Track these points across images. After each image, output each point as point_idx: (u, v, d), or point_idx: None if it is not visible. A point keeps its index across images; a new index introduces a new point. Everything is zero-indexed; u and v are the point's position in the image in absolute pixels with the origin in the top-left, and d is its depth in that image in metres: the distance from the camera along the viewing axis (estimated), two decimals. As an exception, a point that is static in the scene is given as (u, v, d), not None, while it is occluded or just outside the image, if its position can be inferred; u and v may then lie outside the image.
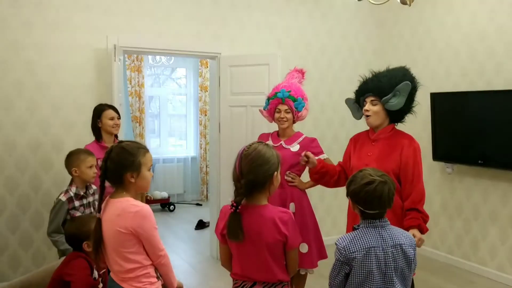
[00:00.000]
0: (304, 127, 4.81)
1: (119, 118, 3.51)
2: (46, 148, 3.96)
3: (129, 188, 1.98)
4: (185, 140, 7.93)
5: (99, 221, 1.98)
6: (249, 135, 4.35)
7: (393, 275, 1.83)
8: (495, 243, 4.24)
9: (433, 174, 4.79)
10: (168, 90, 7.82)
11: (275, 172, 1.92)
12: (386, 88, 2.58)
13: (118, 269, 1.97)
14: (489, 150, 4.08)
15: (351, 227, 2.21)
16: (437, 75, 4.78)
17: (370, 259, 1.81)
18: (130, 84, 7.11)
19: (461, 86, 4.49)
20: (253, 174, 1.85)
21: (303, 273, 3.25)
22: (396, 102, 2.57)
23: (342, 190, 2.61)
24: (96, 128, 3.47)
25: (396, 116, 2.68)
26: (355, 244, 1.83)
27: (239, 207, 1.86)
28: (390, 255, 1.83)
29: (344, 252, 1.83)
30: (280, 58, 4.35)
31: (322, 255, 3.22)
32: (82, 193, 2.99)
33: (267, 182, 1.91)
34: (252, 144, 1.93)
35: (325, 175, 2.88)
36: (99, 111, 3.46)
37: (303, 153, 2.88)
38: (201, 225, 6.07)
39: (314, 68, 5.09)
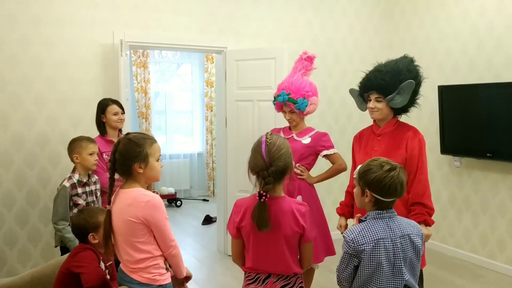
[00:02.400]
0: (311, 122, 4.80)
1: (123, 113, 3.51)
2: (54, 143, 3.98)
3: (138, 178, 1.99)
4: (191, 136, 7.94)
5: (109, 213, 1.99)
6: (256, 130, 4.34)
7: (402, 266, 1.82)
8: (503, 236, 4.21)
9: (441, 168, 4.76)
10: (174, 86, 7.83)
11: (293, 163, 1.97)
12: (390, 87, 2.56)
13: (128, 259, 1.98)
14: (497, 143, 4.05)
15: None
16: (444, 68, 4.75)
17: (379, 250, 1.80)
18: (136, 80, 7.12)
19: (469, 79, 4.45)
20: (282, 160, 1.87)
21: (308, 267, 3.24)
22: (400, 100, 2.56)
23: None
24: (101, 123, 3.48)
25: (401, 109, 2.67)
26: (363, 236, 1.82)
27: (268, 195, 1.85)
28: (399, 245, 1.82)
29: (353, 245, 1.82)
30: (286, 51, 4.34)
31: (330, 251, 3.19)
32: (84, 181, 3.02)
33: (288, 172, 1.93)
34: (270, 134, 1.94)
35: None
36: (103, 106, 3.47)
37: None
38: (208, 220, 6.08)
39: (320, 62, 5.04)
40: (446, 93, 4.49)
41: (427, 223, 2.46)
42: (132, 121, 7.14)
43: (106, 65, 4.15)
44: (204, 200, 7.47)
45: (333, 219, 5.24)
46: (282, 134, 3.28)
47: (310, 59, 3.38)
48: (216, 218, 5.47)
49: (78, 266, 2.21)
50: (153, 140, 2.02)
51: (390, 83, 2.54)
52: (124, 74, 4.02)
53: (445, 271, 4.25)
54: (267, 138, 1.92)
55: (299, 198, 3.14)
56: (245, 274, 2.02)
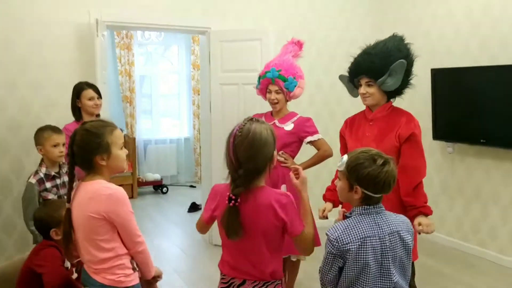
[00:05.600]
0: (299, 105, 4.61)
1: (99, 98, 3.30)
2: (26, 130, 3.74)
3: (101, 171, 1.81)
4: (178, 121, 7.72)
5: (68, 211, 1.81)
6: (241, 115, 4.09)
7: (391, 266, 1.66)
8: (496, 224, 4.10)
9: (433, 154, 4.61)
10: (160, 69, 7.58)
11: (274, 152, 1.73)
12: (381, 69, 2.39)
13: (90, 259, 1.81)
14: (491, 128, 3.90)
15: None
16: (438, 50, 4.56)
17: (366, 250, 1.64)
18: (120, 62, 6.87)
19: (463, 62, 4.28)
20: (252, 162, 1.64)
21: (294, 259, 3.10)
22: (392, 82, 2.39)
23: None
24: (76, 108, 3.27)
25: (394, 92, 2.50)
26: (348, 235, 1.65)
27: (238, 200, 1.64)
28: (387, 244, 1.66)
29: (337, 244, 1.65)
30: (272, 32, 4.14)
31: (315, 242, 3.05)
32: (53, 173, 2.83)
33: (268, 166, 1.71)
34: (244, 124, 1.69)
35: None
36: (78, 91, 3.26)
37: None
38: (194, 207, 5.92)
39: (309, 43, 4.83)
40: (439, 77, 4.32)
41: (425, 212, 2.33)
42: (116, 106, 6.94)
43: (82, 47, 3.92)
44: (192, 186, 7.30)
45: (321, 204, 5.13)
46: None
47: (299, 44, 3.30)
48: (201, 205, 5.31)
49: (39, 266, 2.04)
50: (113, 127, 1.83)
51: (380, 65, 2.37)
52: (101, 56, 3.80)
53: (435, 260, 4.14)
54: (236, 133, 1.68)
55: (283, 187, 2.98)
56: (221, 274, 1.85)
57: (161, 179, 6.98)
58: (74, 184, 1.86)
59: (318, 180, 4.99)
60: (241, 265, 1.74)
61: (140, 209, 6.05)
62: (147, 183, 6.85)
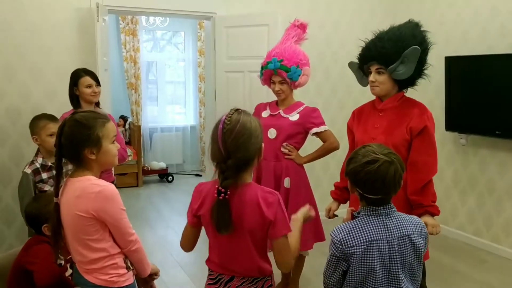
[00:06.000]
0: (306, 95, 4.47)
1: (98, 85, 3.17)
2: (27, 118, 3.61)
3: (90, 165, 1.69)
4: (184, 108, 7.60)
5: (56, 207, 1.70)
6: (247, 103, 4.02)
7: (399, 272, 1.54)
8: (510, 219, 3.94)
9: (445, 146, 4.45)
10: (166, 56, 7.43)
11: (262, 143, 1.63)
12: (392, 55, 2.21)
13: (80, 260, 1.70)
14: (508, 120, 3.72)
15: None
16: (453, 37, 4.36)
17: (372, 254, 1.52)
18: (125, 48, 6.74)
19: (480, 49, 4.08)
20: (242, 151, 1.54)
21: (296, 255, 2.99)
22: (404, 70, 2.22)
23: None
24: (74, 96, 3.15)
25: (406, 82, 2.33)
26: (353, 237, 1.53)
27: (228, 192, 1.53)
28: (396, 248, 1.54)
29: (341, 247, 1.53)
30: (280, 18, 3.97)
31: (319, 237, 2.95)
32: (50, 164, 2.72)
33: (256, 157, 1.61)
34: (231, 115, 1.59)
35: None
36: (75, 78, 3.13)
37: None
38: (199, 197, 5.82)
39: (319, 29, 4.69)
40: (454, 65, 4.13)
41: (432, 212, 2.18)
42: (121, 93, 6.84)
43: (82, 32, 3.80)
44: (197, 175, 7.20)
45: (329, 199, 4.99)
46: (268, 110, 2.98)
47: (303, 26, 3.08)
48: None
49: (30, 262, 1.95)
50: (105, 120, 1.71)
51: (392, 51, 2.20)
52: (102, 42, 3.67)
53: (446, 255, 4.00)
54: (225, 121, 1.57)
55: (286, 180, 2.86)
56: (208, 270, 1.75)
57: (167, 167, 6.89)
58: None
59: (326, 172, 4.87)
60: (228, 264, 1.66)
61: (145, 198, 5.98)
62: (152, 172, 6.76)
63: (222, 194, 1.53)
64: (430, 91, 4.38)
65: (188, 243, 1.77)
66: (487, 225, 4.14)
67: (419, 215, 2.14)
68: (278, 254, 1.59)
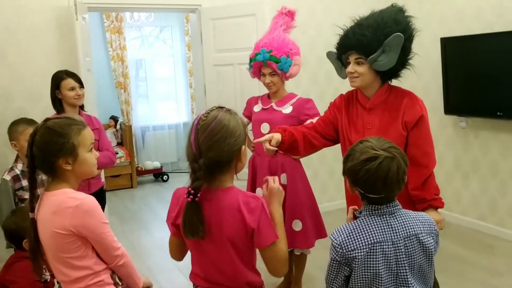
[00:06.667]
0: (300, 85, 4.33)
1: (81, 87, 3.02)
2: (9, 124, 3.51)
3: (66, 177, 1.55)
4: (175, 106, 7.44)
5: (33, 223, 1.56)
6: (238, 97, 3.88)
7: (408, 275, 1.41)
8: (515, 202, 3.84)
9: (445, 129, 4.32)
10: (154, 52, 7.25)
11: (243, 146, 1.48)
12: (372, 44, 1.99)
13: (63, 279, 1.57)
14: (508, 100, 3.60)
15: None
16: (447, 17, 4.22)
17: (376, 257, 1.39)
18: (111, 47, 6.56)
19: (476, 29, 3.94)
20: (215, 151, 1.40)
21: (298, 253, 2.86)
22: (385, 60, 2.00)
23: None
24: (56, 99, 3.00)
25: (389, 73, 2.11)
26: (355, 240, 1.40)
27: (198, 194, 1.40)
28: (402, 250, 1.41)
29: (341, 251, 1.40)
30: (268, 6, 3.81)
31: (321, 233, 2.83)
32: None
33: (233, 160, 1.47)
34: (211, 110, 1.46)
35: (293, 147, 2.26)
36: (57, 80, 2.98)
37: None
38: (195, 195, 5.69)
39: (309, 17, 4.54)
40: (450, 46, 4.00)
41: (435, 205, 2.04)
42: (109, 93, 6.67)
43: (62, 32, 3.64)
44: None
45: (328, 191, 4.91)
46: (260, 104, 2.84)
47: (291, 14, 2.92)
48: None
49: (11, 281, 1.81)
50: (81, 126, 1.57)
51: (372, 39, 1.99)
52: (83, 41, 3.51)
53: (450, 242, 3.89)
54: (201, 117, 1.45)
55: (283, 176, 2.73)
56: (193, 286, 1.62)
57: (161, 166, 6.75)
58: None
59: (323, 165, 4.75)
60: (213, 277, 1.52)
61: (140, 200, 5.85)
62: (146, 172, 6.62)
63: (191, 196, 1.40)
64: (426, 74, 4.25)
65: (175, 253, 1.65)
66: (492, 209, 4.03)
67: (423, 210, 2.00)
68: (269, 263, 1.46)
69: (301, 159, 2.87)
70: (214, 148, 1.40)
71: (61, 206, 1.48)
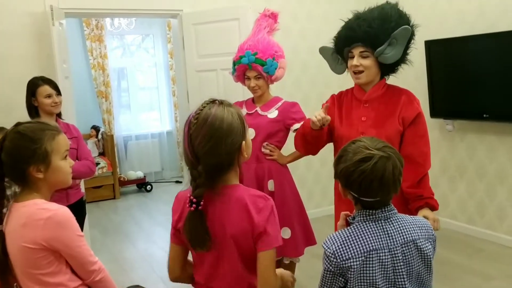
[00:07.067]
0: (284, 90, 4.26)
1: (58, 94, 2.90)
2: (-18, 135, 3.37)
3: (38, 186, 1.44)
4: (158, 114, 7.31)
5: (1, 235, 1.44)
6: (222, 103, 3.80)
7: (406, 284, 1.33)
8: (503, 204, 3.80)
9: (431, 133, 4.13)
10: (136, 61, 7.13)
11: (243, 142, 1.35)
12: (380, 36, 1.97)
13: (34, 298, 1.45)
14: (494, 101, 3.59)
15: (338, 217, 1.67)
16: (431, 20, 4.21)
17: (372, 266, 1.31)
18: (92, 55, 6.43)
19: (459, 31, 3.93)
20: (213, 155, 1.28)
21: (287, 262, 2.77)
22: (392, 53, 1.98)
23: (330, 156, 2.01)
24: (32, 107, 2.87)
25: (389, 68, 2.10)
26: (349, 248, 1.31)
27: (202, 202, 1.29)
28: (400, 257, 1.33)
29: (335, 260, 1.31)
30: (251, 10, 3.75)
31: (310, 240, 2.74)
32: None
33: (235, 158, 1.34)
34: (201, 109, 1.34)
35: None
36: (32, 87, 2.85)
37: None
38: (180, 205, 5.57)
39: (292, 21, 4.49)
40: (434, 49, 3.98)
41: (431, 205, 2.00)
42: (90, 102, 6.53)
43: (38, 38, 3.52)
44: (178, 182, 6.93)
45: (315, 198, 4.84)
46: (244, 109, 2.75)
47: (274, 16, 2.84)
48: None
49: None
50: (55, 131, 1.46)
51: (379, 31, 1.96)
52: (59, 47, 3.39)
53: (440, 247, 3.73)
54: (192, 120, 1.33)
55: (270, 183, 2.64)
56: None
57: (144, 176, 6.61)
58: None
59: (310, 171, 4.68)
60: (216, 279, 1.39)
61: (123, 211, 5.70)
62: (129, 182, 6.47)
63: (194, 205, 1.29)
64: (411, 77, 4.21)
65: (174, 265, 1.48)
66: (480, 212, 4.00)
67: (418, 209, 1.95)
68: (264, 272, 1.32)
69: (288, 164, 2.79)
70: (211, 153, 1.28)
71: (32, 218, 1.37)
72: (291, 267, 2.86)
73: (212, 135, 1.28)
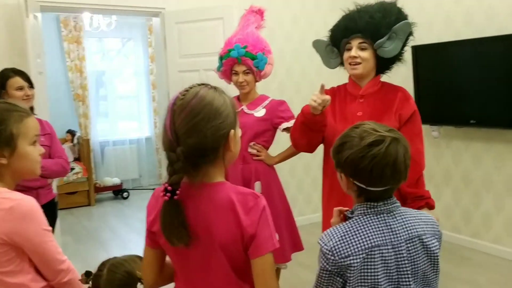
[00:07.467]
0: (269, 93, 4.15)
1: (31, 87, 2.72)
2: None
3: (1, 173, 1.27)
4: (137, 121, 7.11)
5: None
6: (205, 105, 3.67)
7: (411, 283, 1.21)
8: (489, 212, 3.75)
9: (416, 140, 4.24)
10: (115, 65, 6.93)
11: (232, 130, 1.18)
12: (381, 28, 1.92)
13: (-8, 301, 1.27)
14: (482, 107, 3.55)
15: (328, 216, 1.54)
16: (418, 25, 4.13)
17: (374, 264, 1.18)
18: (69, 57, 6.22)
19: (446, 36, 3.91)
20: (195, 136, 1.11)
21: (273, 268, 2.63)
22: (391, 47, 1.93)
23: (314, 163, 1.88)
24: None
25: (384, 64, 2.03)
26: (349, 244, 1.18)
27: (178, 191, 1.12)
28: (404, 254, 1.21)
29: (333, 258, 1.18)
30: (236, 9, 3.64)
31: (297, 246, 2.61)
32: None
33: (220, 147, 1.17)
34: (190, 88, 1.18)
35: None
36: (2, 79, 2.66)
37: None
38: (158, 212, 5.37)
39: (277, 24, 4.40)
40: (421, 54, 3.94)
41: (430, 205, 1.94)
42: (66, 104, 6.31)
43: (10, 31, 3.34)
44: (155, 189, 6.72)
45: (297, 205, 4.71)
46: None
47: (261, 12, 2.75)
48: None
49: None
50: (23, 113, 1.31)
51: (381, 23, 1.90)
52: (33, 41, 3.21)
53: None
54: (178, 98, 1.17)
55: (257, 184, 2.51)
56: None
57: (121, 183, 6.38)
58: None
59: (293, 177, 4.56)
60: None
61: (99, 218, 5.47)
62: (105, 189, 6.23)
63: (169, 193, 1.11)
64: (396, 83, 4.15)
65: (149, 271, 1.30)
66: (466, 220, 3.94)
67: (418, 209, 1.85)
68: (260, 278, 1.15)
69: (275, 166, 2.66)
70: (194, 133, 1.12)
71: None
72: (276, 274, 2.71)
73: (198, 112, 1.12)
